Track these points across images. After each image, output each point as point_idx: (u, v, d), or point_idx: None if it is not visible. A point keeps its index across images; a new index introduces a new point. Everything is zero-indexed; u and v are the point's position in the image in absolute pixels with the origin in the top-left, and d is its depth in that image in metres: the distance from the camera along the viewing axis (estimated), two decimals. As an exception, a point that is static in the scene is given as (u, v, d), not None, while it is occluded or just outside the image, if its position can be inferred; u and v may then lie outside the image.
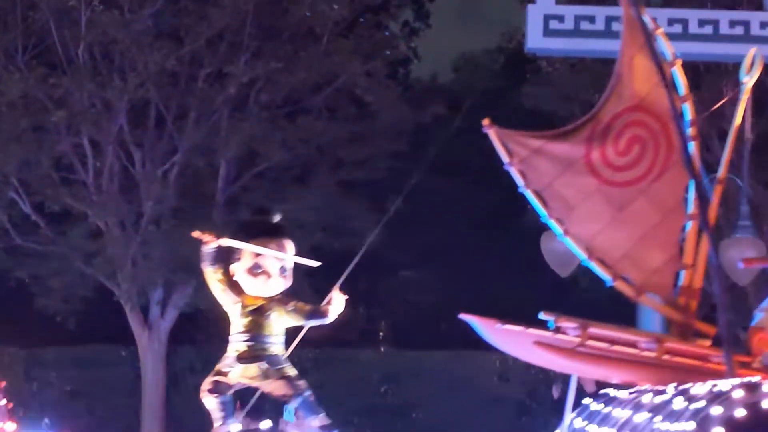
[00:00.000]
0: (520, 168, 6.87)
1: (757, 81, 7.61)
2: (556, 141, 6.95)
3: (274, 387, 6.86)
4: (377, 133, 19.55)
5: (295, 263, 6.96)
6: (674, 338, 6.78)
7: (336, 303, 6.86)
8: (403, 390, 20.87)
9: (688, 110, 7.12)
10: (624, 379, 6.74)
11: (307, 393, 6.87)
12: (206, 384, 6.83)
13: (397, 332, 22.21)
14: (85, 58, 18.12)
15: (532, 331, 6.44)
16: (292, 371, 6.88)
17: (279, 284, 6.89)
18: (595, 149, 6.95)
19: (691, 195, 7.00)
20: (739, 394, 5.46)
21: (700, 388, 5.75)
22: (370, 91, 19.33)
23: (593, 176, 6.95)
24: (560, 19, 12.26)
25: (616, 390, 6.67)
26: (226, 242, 6.80)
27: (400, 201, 8.48)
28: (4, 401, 6.87)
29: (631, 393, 6.45)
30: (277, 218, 6.98)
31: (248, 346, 6.82)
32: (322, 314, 6.90)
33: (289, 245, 6.91)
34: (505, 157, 6.88)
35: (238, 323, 6.87)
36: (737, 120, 7.24)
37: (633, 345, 6.53)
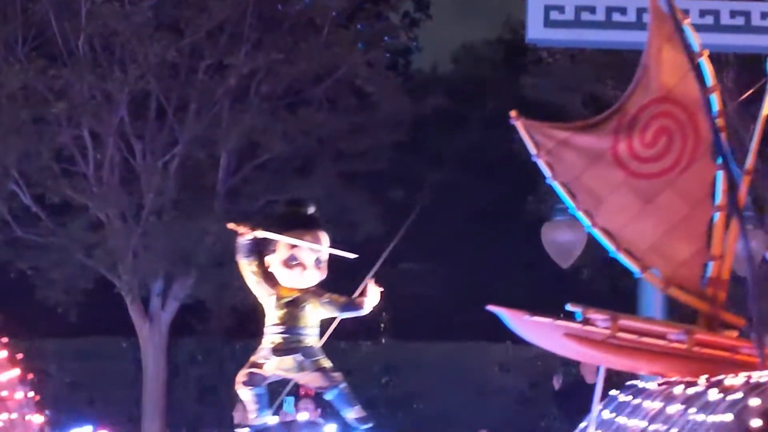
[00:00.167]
0: (547, 159, 6.84)
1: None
2: (583, 133, 6.93)
3: (309, 379, 6.87)
4: (378, 124, 19.53)
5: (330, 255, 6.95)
6: (703, 330, 6.79)
7: (371, 295, 6.84)
8: (404, 381, 20.92)
9: (716, 101, 7.11)
10: (654, 371, 6.74)
11: (343, 385, 6.89)
12: (241, 376, 6.81)
13: (398, 324, 22.18)
14: (85, 50, 18.05)
15: (561, 322, 6.42)
16: (327, 363, 6.87)
17: (314, 276, 6.87)
18: (622, 141, 6.92)
19: (719, 186, 6.99)
20: (775, 385, 5.46)
21: (734, 380, 5.74)
22: (371, 81, 19.32)
23: (620, 168, 6.92)
24: (561, 9, 12.25)
25: (643, 382, 6.67)
26: (261, 234, 6.78)
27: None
28: (32, 393, 6.86)
29: (660, 384, 6.45)
30: (311, 210, 6.96)
31: (283, 338, 6.79)
32: (357, 306, 6.89)
33: (324, 237, 6.89)
34: (532, 149, 6.85)
35: (273, 315, 6.85)
36: (764, 110, 7.21)
37: (662, 336, 6.53)
